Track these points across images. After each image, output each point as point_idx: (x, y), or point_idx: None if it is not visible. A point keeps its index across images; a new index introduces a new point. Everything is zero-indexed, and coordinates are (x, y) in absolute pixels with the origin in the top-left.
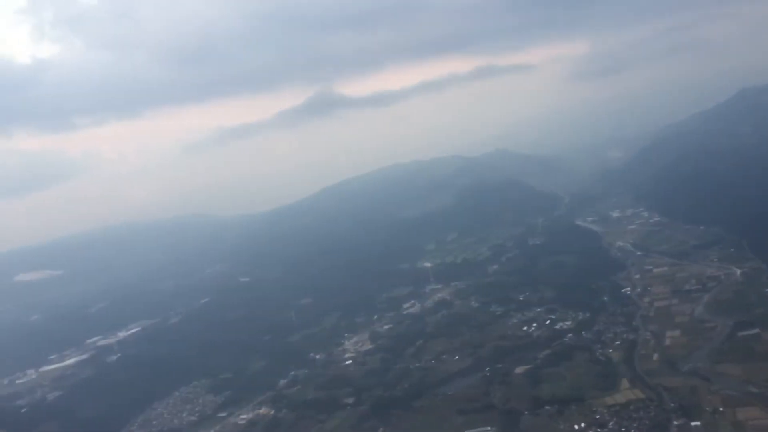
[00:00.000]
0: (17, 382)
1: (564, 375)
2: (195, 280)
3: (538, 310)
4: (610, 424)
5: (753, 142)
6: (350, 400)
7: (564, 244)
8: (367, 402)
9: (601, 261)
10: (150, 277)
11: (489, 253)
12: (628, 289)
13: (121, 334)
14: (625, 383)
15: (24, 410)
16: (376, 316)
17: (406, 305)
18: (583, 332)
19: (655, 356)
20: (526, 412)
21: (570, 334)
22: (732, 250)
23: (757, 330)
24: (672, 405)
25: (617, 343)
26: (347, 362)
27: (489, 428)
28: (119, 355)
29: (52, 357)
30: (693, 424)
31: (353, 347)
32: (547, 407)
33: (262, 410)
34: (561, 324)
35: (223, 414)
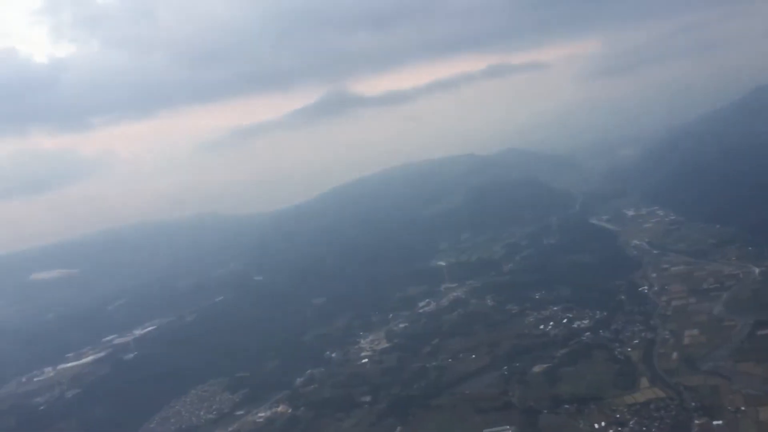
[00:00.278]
0: (35, 380)
1: (582, 374)
2: (209, 278)
3: (555, 308)
4: (631, 423)
5: None
6: (367, 399)
7: (579, 243)
8: (385, 400)
9: (617, 259)
10: (164, 276)
11: (503, 252)
12: (645, 287)
13: (137, 333)
14: (644, 382)
15: (42, 408)
16: (390, 315)
17: (421, 304)
18: (600, 331)
19: (675, 355)
20: (545, 411)
21: (587, 333)
22: (750, 248)
23: None
24: (693, 404)
25: (635, 341)
26: (363, 361)
27: (508, 427)
28: (135, 353)
29: (69, 355)
30: (715, 423)
31: (369, 346)
32: (566, 406)
33: (280, 408)
34: (578, 323)
35: (241, 412)
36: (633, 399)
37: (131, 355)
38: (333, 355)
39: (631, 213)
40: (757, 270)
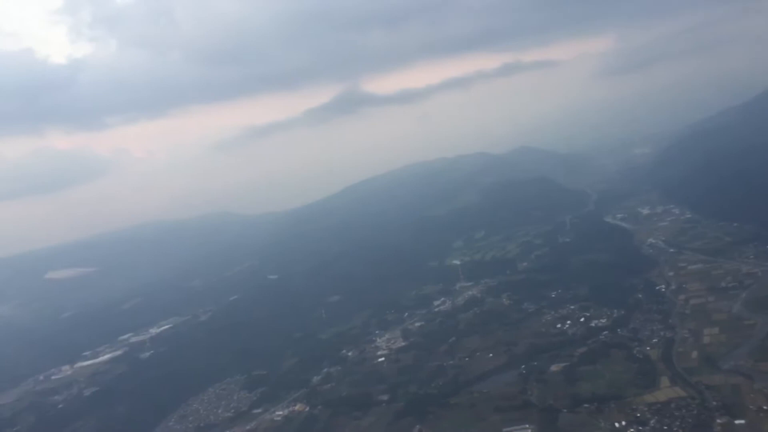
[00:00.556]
0: (53, 378)
1: (601, 373)
2: (223, 277)
3: (572, 307)
4: (652, 422)
5: None
6: (385, 397)
7: (594, 242)
8: (403, 399)
9: (633, 258)
10: (179, 275)
11: (518, 251)
12: (663, 286)
13: (153, 331)
14: (665, 381)
15: (61, 406)
16: (406, 314)
17: (436, 303)
18: (618, 330)
19: (694, 354)
20: (564, 410)
21: (605, 332)
22: None
23: None
24: (714, 403)
25: (654, 340)
26: (380, 359)
27: (527, 426)
28: (152, 351)
29: (85, 353)
30: (737, 422)
31: (385, 344)
32: (586, 405)
33: (297, 407)
34: (596, 321)
35: (259, 410)
36: (653, 398)
37: (148, 354)
38: (349, 353)
39: (646, 211)
40: None
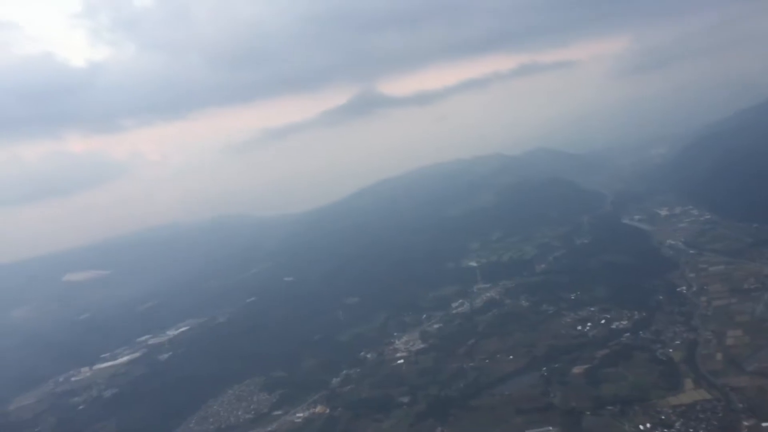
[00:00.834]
0: (72, 379)
1: (624, 375)
2: (239, 279)
3: (592, 309)
4: (677, 424)
5: None
6: (405, 399)
7: (612, 243)
8: (423, 401)
9: (653, 259)
10: (195, 277)
11: (535, 252)
12: (684, 287)
13: (171, 333)
14: (689, 383)
15: (81, 407)
16: (424, 316)
17: (454, 304)
18: (640, 332)
19: (718, 356)
20: (587, 412)
21: (627, 334)
22: None
23: None
24: (740, 405)
25: (677, 342)
26: (399, 361)
27: (550, 428)
28: (170, 353)
29: (104, 355)
30: (764, 424)
31: (404, 346)
32: (610, 407)
33: (318, 409)
34: (617, 323)
35: (279, 412)
36: (678, 400)
37: (166, 356)
38: (368, 355)
39: (664, 212)
40: None
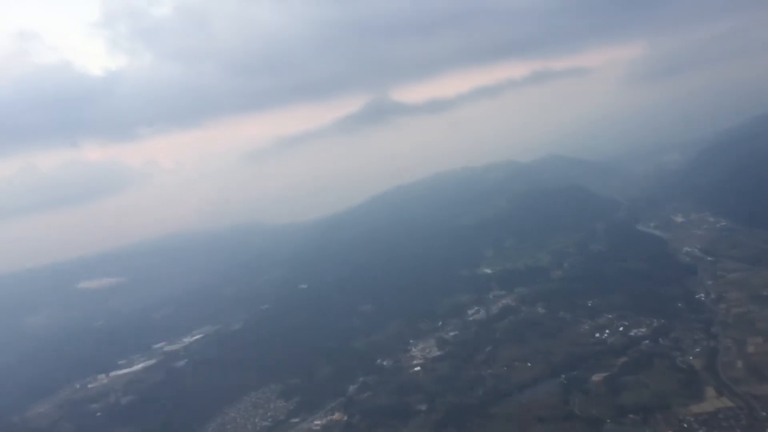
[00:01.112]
0: (89, 386)
1: (645, 383)
2: (253, 287)
3: (609, 316)
4: None
5: None
6: (423, 407)
7: (628, 250)
8: (441, 409)
9: (670, 267)
10: (210, 284)
11: (550, 259)
12: (702, 295)
13: (186, 340)
14: (710, 391)
15: (99, 414)
16: (440, 323)
17: (470, 312)
18: (660, 339)
19: (739, 363)
20: (608, 421)
21: (646, 341)
22: None
23: None
24: (764, 413)
25: (697, 350)
26: (416, 368)
27: None
28: (186, 360)
29: (121, 362)
30: None
31: (420, 353)
32: (631, 415)
33: (335, 416)
34: (635, 331)
35: (296, 419)
36: (700, 408)
37: (182, 363)
38: (384, 362)
39: (679, 219)
40: None
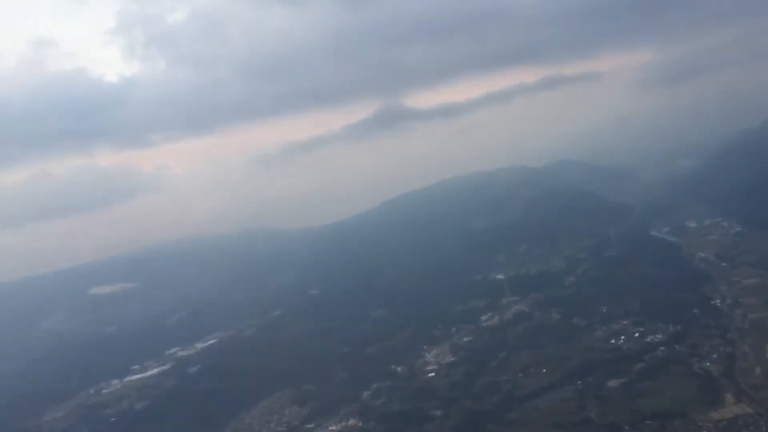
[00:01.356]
0: (103, 392)
1: (662, 389)
2: (265, 292)
3: (624, 322)
4: None
5: None
6: (438, 413)
7: (641, 256)
8: (457, 415)
9: (684, 272)
10: (221, 290)
11: (563, 264)
12: (718, 300)
13: (199, 346)
14: (729, 397)
15: (113, 419)
16: (454, 329)
17: (483, 318)
18: (676, 345)
19: (758, 369)
20: (626, 427)
21: (662, 347)
22: None
23: None
24: None
25: (714, 356)
26: (430, 374)
27: None
28: (199, 366)
29: (134, 367)
30: None
31: (434, 359)
32: (649, 422)
33: (351, 422)
34: (651, 337)
35: (311, 425)
36: (719, 415)
37: (196, 368)
38: (398, 368)
39: (693, 225)
40: None
